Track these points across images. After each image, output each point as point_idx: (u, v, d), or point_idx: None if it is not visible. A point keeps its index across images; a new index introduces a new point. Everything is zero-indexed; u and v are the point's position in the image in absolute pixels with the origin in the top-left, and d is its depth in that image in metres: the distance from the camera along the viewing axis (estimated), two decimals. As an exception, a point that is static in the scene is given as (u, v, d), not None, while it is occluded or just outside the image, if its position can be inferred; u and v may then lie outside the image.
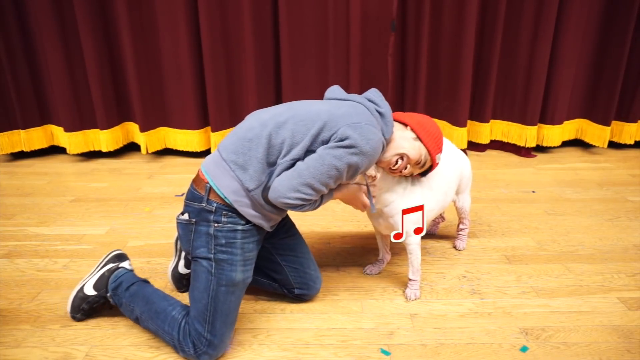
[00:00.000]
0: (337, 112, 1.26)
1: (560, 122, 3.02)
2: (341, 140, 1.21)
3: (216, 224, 1.27)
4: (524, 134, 3.01)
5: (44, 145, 3.05)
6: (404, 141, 1.40)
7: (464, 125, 2.99)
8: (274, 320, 1.48)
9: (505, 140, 3.13)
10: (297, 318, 1.49)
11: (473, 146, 3.17)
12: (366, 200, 1.42)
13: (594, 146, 3.21)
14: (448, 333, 1.42)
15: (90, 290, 1.47)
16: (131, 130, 3.09)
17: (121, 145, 3.04)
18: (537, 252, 1.88)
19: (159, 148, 3.05)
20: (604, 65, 2.93)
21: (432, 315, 1.50)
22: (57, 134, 3.05)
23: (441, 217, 2.01)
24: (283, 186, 1.23)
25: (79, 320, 1.49)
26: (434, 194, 1.61)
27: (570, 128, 3.13)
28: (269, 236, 1.51)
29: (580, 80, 3.00)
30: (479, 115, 3.05)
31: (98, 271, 1.51)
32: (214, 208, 1.27)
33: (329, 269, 1.76)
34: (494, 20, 2.80)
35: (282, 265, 1.51)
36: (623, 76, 2.91)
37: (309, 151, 1.25)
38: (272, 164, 1.25)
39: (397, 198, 1.51)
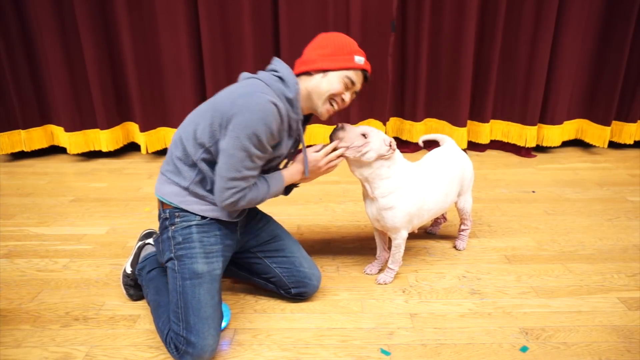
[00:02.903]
0: (222, 93, 1.29)
1: (560, 122, 3.02)
2: (228, 121, 1.22)
3: (172, 227, 1.36)
4: (524, 134, 3.01)
5: (44, 145, 3.05)
6: (319, 85, 1.35)
7: (464, 125, 2.99)
8: (274, 320, 1.48)
9: (505, 140, 3.13)
10: (297, 318, 1.49)
11: (473, 146, 3.17)
12: (324, 157, 1.43)
13: (594, 146, 3.21)
14: (448, 333, 1.42)
15: (128, 268, 1.59)
16: (131, 130, 3.09)
17: (121, 145, 3.05)
18: (537, 252, 1.88)
19: (159, 148, 3.05)
20: (604, 65, 2.93)
21: (432, 315, 1.50)
22: (58, 134, 3.06)
23: (443, 217, 2.01)
24: (217, 194, 1.29)
25: (135, 299, 1.57)
26: (433, 194, 1.61)
27: (570, 128, 3.13)
28: (254, 242, 1.53)
29: (580, 80, 3.01)
30: (479, 115, 3.05)
31: (134, 249, 1.64)
32: (168, 214, 1.38)
33: (329, 269, 1.76)
34: (494, 20, 2.80)
35: (273, 268, 1.52)
36: (623, 76, 2.91)
37: (214, 138, 1.26)
38: (194, 161, 1.31)
39: (396, 192, 1.51)
